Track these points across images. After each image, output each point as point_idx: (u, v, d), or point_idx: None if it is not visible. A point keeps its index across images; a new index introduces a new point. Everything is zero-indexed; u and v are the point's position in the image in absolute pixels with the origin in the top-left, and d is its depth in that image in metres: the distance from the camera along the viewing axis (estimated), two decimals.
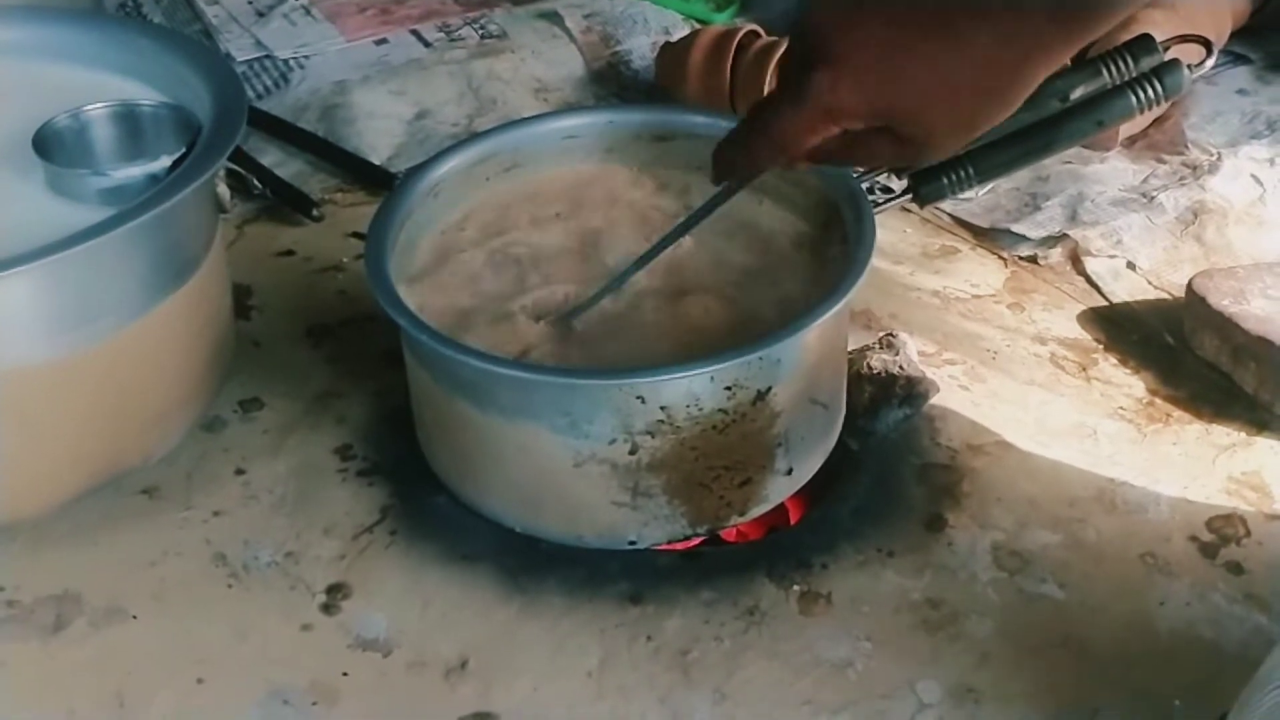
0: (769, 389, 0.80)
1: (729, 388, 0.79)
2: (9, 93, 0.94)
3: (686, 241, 0.88)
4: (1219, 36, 1.34)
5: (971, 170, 0.86)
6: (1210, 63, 0.86)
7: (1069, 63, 0.85)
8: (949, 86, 0.69)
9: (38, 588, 0.84)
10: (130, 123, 0.92)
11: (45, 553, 0.86)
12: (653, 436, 0.79)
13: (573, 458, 0.80)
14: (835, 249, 0.87)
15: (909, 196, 0.87)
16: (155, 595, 0.84)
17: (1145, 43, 0.85)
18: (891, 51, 0.69)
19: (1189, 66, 0.84)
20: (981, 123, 0.71)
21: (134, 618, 0.83)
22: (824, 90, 0.70)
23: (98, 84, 0.95)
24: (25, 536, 0.86)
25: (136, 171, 0.86)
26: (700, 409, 0.79)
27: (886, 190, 0.96)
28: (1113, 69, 0.85)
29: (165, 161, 0.86)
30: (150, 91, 0.94)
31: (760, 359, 0.79)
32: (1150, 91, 0.84)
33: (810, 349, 0.82)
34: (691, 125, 0.96)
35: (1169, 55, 0.85)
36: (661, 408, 0.78)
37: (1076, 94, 0.85)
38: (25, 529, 0.86)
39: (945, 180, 0.86)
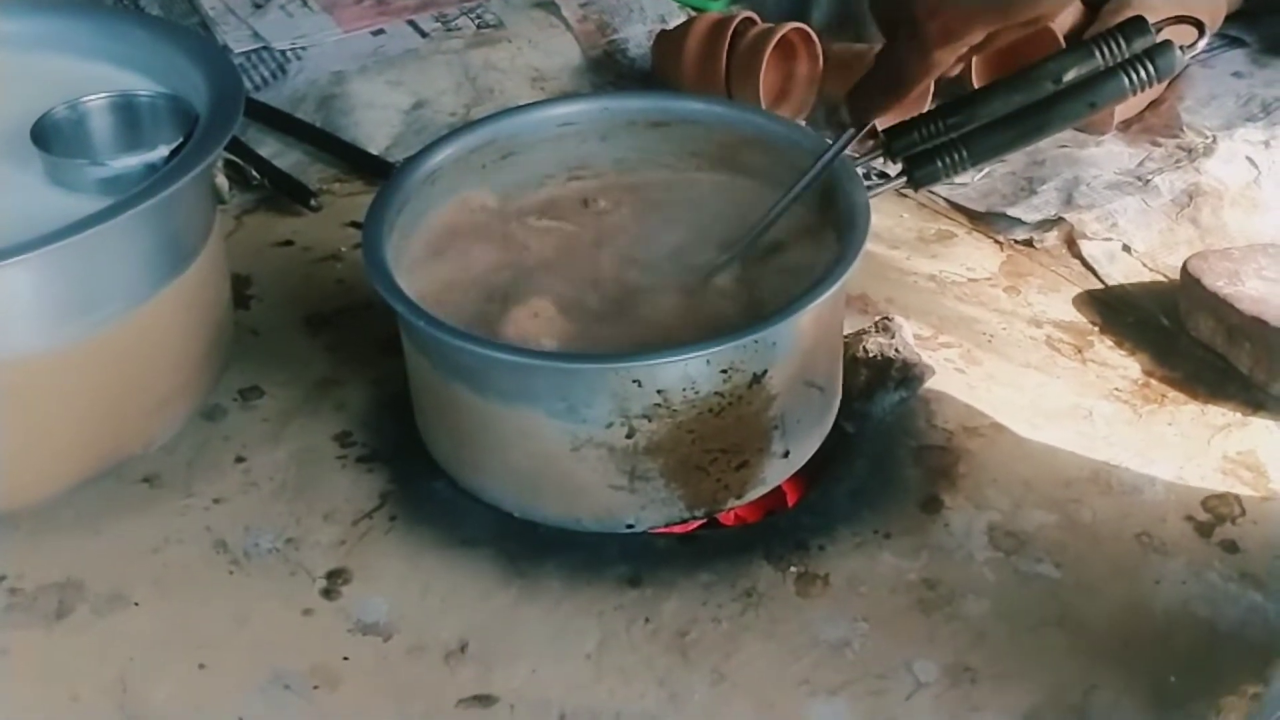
0: (765, 372, 0.81)
1: (725, 371, 0.79)
2: (7, 84, 0.95)
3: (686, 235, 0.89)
4: (1214, 20, 1.34)
5: (965, 153, 0.86)
6: (1202, 43, 0.86)
7: (1063, 44, 0.86)
8: None
9: (40, 575, 0.84)
10: (128, 113, 0.93)
11: (47, 541, 0.86)
12: (649, 420, 0.80)
13: (570, 442, 0.81)
14: (831, 233, 0.88)
15: (904, 180, 0.88)
16: (157, 582, 0.84)
17: (1138, 24, 0.85)
18: None
19: (1181, 48, 0.84)
20: None
21: (136, 604, 0.83)
22: (940, 34, 0.76)
23: (96, 75, 0.95)
24: (28, 525, 0.87)
25: (134, 161, 0.87)
26: (696, 392, 0.79)
27: (882, 176, 0.97)
28: (1105, 51, 0.85)
29: (163, 151, 0.87)
30: (148, 82, 0.95)
31: (756, 342, 0.79)
32: (1143, 73, 0.84)
33: (805, 332, 0.83)
34: (687, 111, 0.97)
35: (1161, 37, 0.85)
36: (658, 391, 0.79)
37: (1069, 76, 0.85)
38: (27, 517, 0.87)
39: (940, 164, 0.87)
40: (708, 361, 0.79)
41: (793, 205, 0.87)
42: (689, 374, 0.79)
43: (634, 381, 0.78)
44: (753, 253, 0.88)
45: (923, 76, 0.80)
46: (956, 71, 0.90)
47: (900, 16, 0.78)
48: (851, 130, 0.85)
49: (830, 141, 0.88)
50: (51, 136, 0.89)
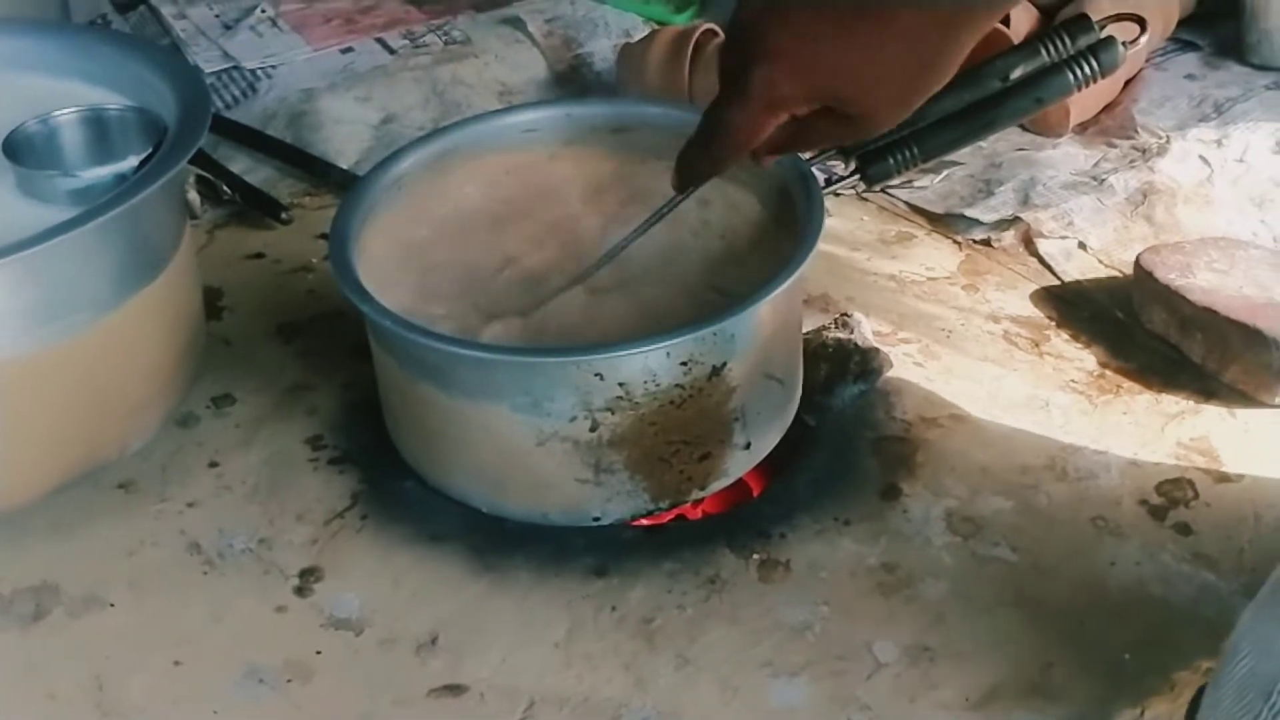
0: (724, 364, 0.82)
1: (685, 363, 0.81)
2: None
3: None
4: (1167, 23, 1.37)
5: (916, 150, 0.88)
6: (1145, 39, 0.88)
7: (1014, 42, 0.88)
8: (882, 64, 0.72)
9: (16, 579, 0.86)
10: (98, 127, 0.95)
11: (24, 546, 0.88)
12: (612, 413, 0.81)
13: (535, 436, 0.82)
14: (788, 231, 0.89)
15: (856, 177, 0.90)
16: (132, 584, 0.86)
17: (1082, 22, 0.88)
18: (823, 38, 0.71)
19: (1124, 44, 0.87)
20: (919, 94, 0.74)
21: (111, 606, 0.84)
22: (766, 84, 0.73)
23: (67, 92, 0.97)
24: (4, 530, 0.88)
25: (104, 172, 0.89)
26: (657, 384, 0.81)
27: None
28: (1051, 48, 0.87)
29: (132, 161, 0.89)
30: (117, 97, 0.97)
31: (714, 334, 0.81)
32: (1087, 68, 0.86)
33: (764, 324, 0.84)
34: (647, 116, 0.99)
35: (1105, 33, 0.87)
36: (620, 384, 0.80)
37: (1016, 73, 0.87)
38: (3, 522, 0.88)
39: (891, 160, 0.89)
40: (667, 354, 0.81)
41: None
42: (649, 366, 0.80)
43: (596, 375, 0.80)
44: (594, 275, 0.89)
45: (743, 138, 0.76)
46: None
47: (738, 62, 0.74)
48: (675, 196, 0.85)
49: None
50: (23, 150, 0.91)
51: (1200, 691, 0.72)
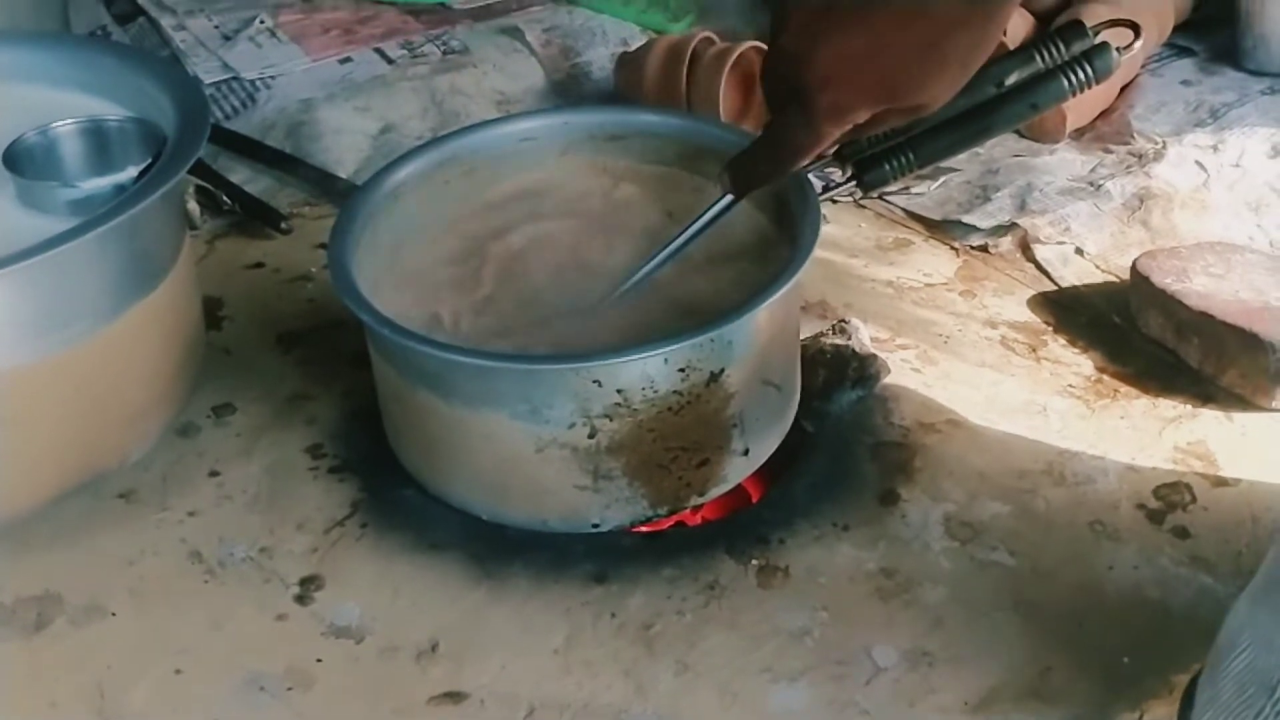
0: (722, 370, 0.83)
1: (682, 369, 0.81)
2: None
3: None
4: (1162, 29, 1.38)
5: (912, 156, 0.88)
6: (1138, 45, 0.88)
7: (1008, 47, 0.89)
8: (933, 59, 0.74)
9: (19, 589, 0.86)
10: (98, 137, 0.95)
11: (26, 556, 0.88)
12: (611, 420, 0.82)
13: (534, 443, 0.83)
14: (786, 237, 0.90)
15: (853, 184, 0.90)
16: (134, 592, 0.86)
17: (1076, 28, 0.88)
18: (872, 52, 0.73)
19: (1118, 49, 0.87)
20: (972, 68, 0.76)
21: (113, 614, 0.85)
22: (830, 108, 0.76)
23: (66, 103, 0.98)
24: (6, 540, 0.88)
25: (104, 182, 0.89)
26: (655, 391, 0.81)
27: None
28: (1045, 54, 0.87)
29: (132, 172, 0.89)
30: (117, 108, 0.97)
31: (712, 340, 0.81)
32: (1081, 74, 0.86)
33: (761, 331, 0.85)
34: (644, 123, 0.99)
35: (1099, 39, 0.88)
36: (618, 390, 0.81)
37: (1011, 79, 0.87)
38: (5, 532, 0.89)
39: (887, 167, 0.89)
40: (665, 360, 0.81)
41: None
42: (647, 373, 0.81)
43: (594, 381, 0.80)
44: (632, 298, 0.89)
45: (809, 150, 0.79)
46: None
47: (791, 87, 0.77)
48: (730, 198, 0.86)
49: None
50: (23, 161, 0.92)
51: (1192, 685, 0.72)
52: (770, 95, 0.79)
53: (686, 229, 0.88)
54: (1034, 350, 1.04)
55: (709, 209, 0.87)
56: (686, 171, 0.97)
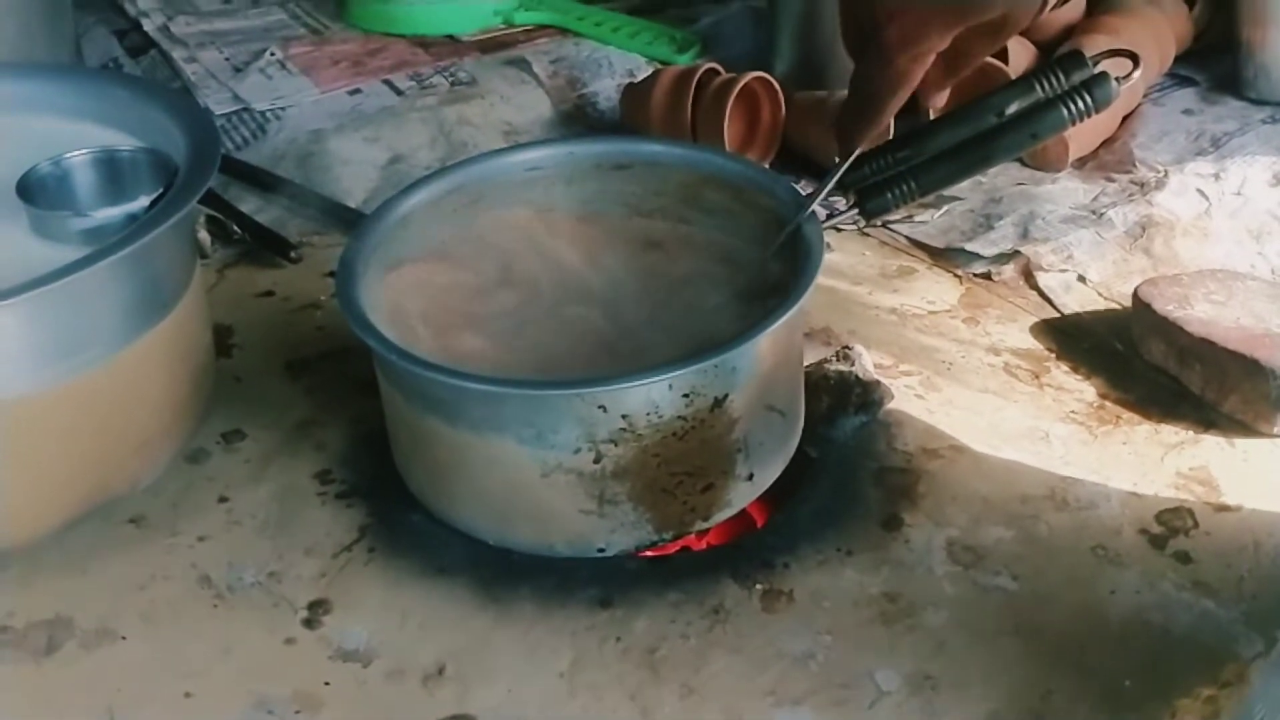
0: (726, 396, 0.84)
1: (686, 395, 0.82)
2: None
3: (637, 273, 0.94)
4: (1163, 59, 1.39)
5: (914, 184, 0.90)
6: (1137, 74, 0.89)
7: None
8: None
9: (30, 613, 0.86)
10: (110, 168, 0.96)
11: (37, 581, 0.89)
12: (616, 445, 0.82)
13: (540, 468, 0.84)
14: (786, 266, 0.91)
15: (856, 211, 0.91)
16: (144, 617, 0.87)
17: (1075, 58, 0.89)
18: None
19: (1117, 79, 0.88)
20: None
21: (123, 639, 0.85)
22: (901, 40, 0.77)
23: (79, 133, 0.99)
24: (18, 566, 0.89)
25: (116, 212, 0.90)
26: (660, 416, 0.82)
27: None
28: (1045, 84, 0.89)
29: (143, 202, 0.90)
30: (128, 138, 0.99)
31: (716, 366, 0.82)
32: (1080, 104, 0.88)
33: (765, 357, 0.86)
34: (649, 153, 1.00)
35: (1098, 69, 0.89)
36: (623, 416, 0.82)
37: (1012, 109, 0.89)
38: (17, 557, 0.89)
39: (890, 195, 0.90)
40: (669, 386, 0.82)
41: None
42: (652, 398, 0.82)
43: (599, 407, 0.81)
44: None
45: (892, 91, 0.81)
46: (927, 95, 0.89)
47: (862, 28, 0.79)
48: (840, 158, 0.88)
49: (792, 183, 0.93)
50: (36, 191, 0.93)
51: None
52: (850, 47, 0.80)
53: (808, 201, 0.89)
54: (1037, 377, 1.04)
55: (829, 176, 0.89)
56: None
